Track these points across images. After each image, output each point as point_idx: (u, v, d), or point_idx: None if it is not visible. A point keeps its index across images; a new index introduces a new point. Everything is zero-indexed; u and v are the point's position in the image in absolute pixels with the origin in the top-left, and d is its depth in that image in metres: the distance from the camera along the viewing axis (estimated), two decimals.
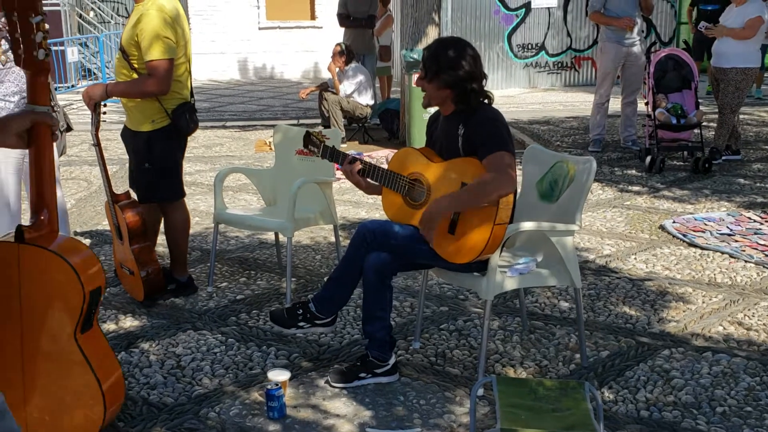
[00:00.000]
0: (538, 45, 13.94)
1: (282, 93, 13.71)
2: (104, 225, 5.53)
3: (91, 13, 16.47)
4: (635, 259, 4.80)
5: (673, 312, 3.99)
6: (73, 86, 13.34)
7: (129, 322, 3.92)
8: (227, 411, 3.07)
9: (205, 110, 11.27)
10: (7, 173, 3.98)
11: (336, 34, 10.63)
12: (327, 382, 3.26)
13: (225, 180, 4.49)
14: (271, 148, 8.35)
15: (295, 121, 9.94)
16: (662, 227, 5.41)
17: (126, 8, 17.47)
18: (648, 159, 7.15)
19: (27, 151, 2.56)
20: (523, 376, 3.35)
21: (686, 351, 3.54)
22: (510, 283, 3.23)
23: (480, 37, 13.44)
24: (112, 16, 17.02)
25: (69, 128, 4.45)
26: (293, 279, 4.33)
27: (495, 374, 3.33)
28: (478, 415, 2.94)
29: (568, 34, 14.01)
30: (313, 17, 16.42)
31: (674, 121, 7.09)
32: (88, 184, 6.92)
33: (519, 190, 3.52)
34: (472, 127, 3.08)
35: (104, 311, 4.04)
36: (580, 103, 11.66)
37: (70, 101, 12.25)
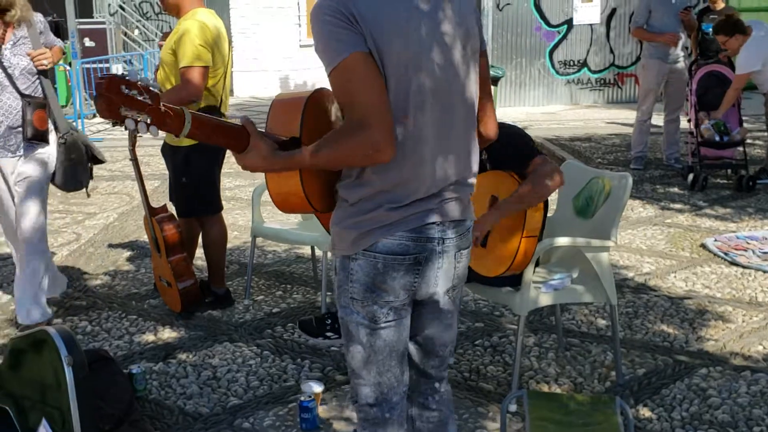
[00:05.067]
0: (581, 61, 13.89)
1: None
2: (145, 239, 5.67)
3: (136, 31, 16.90)
4: (675, 277, 4.76)
5: (712, 331, 3.95)
6: None
7: (167, 334, 4.02)
8: (261, 422, 3.14)
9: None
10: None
11: None
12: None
13: (263, 195, 4.59)
14: None
15: None
16: (703, 245, 5.36)
17: (170, 26, 17.87)
18: (690, 176, 7.09)
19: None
20: (554, 392, 3.35)
21: (724, 370, 3.51)
22: (544, 299, 3.25)
23: (521, 53, 13.45)
24: (156, 34, 17.43)
25: (97, 160, 4.21)
26: (329, 293, 4.39)
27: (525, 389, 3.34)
28: (509, 430, 2.96)
29: (611, 51, 13.94)
30: None
31: (717, 139, 7.03)
32: (130, 199, 7.10)
33: (554, 207, 3.56)
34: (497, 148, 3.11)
35: (143, 322, 4.15)
36: (622, 120, 11.58)
37: None
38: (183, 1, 3.95)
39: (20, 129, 3.80)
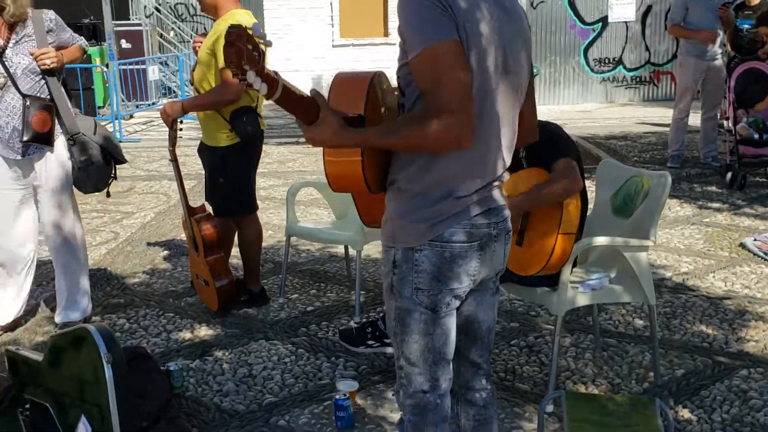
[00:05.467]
0: (616, 59, 13.75)
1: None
2: (182, 237, 5.73)
3: (171, 33, 17.07)
4: (714, 277, 4.69)
5: (752, 331, 3.88)
6: (153, 104, 13.84)
7: (204, 331, 4.05)
8: (296, 420, 3.15)
9: (279, 127, 11.54)
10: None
11: None
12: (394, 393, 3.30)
13: (297, 194, 4.61)
14: None
15: None
16: (742, 245, 5.26)
17: (205, 27, 18.03)
18: (729, 175, 6.97)
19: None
20: (593, 393, 3.31)
21: (765, 371, 3.44)
22: (582, 299, 3.21)
23: (555, 51, 13.35)
24: (191, 35, 17.60)
25: (117, 161, 4.10)
26: (362, 292, 4.40)
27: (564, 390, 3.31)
28: (546, 431, 2.93)
29: (647, 48, 13.77)
30: (386, 34, 16.60)
31: (756, 137, 6.90)
32: (167, 198, 7.17)
33: (591, 206, 3.52)
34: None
35: (180, 320, 4.19)
36: (658, 119, 11.44)
37: (150, 118, 12.73)
38: (220, 1, 3.98)
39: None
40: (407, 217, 1.96)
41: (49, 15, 3.80)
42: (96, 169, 3.93)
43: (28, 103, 3.68)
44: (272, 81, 1.72)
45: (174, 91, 15.13)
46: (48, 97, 3.78)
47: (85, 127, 3.91)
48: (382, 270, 2.10)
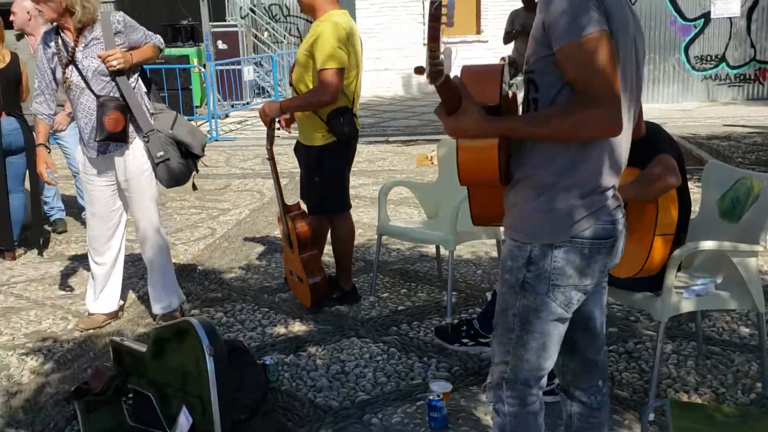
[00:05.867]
0: (718, 56, 13.21)
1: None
2: (275, 234, 5.84)
3: (266, 34, 17.43)
4: None
5: None
6: (247, 103, 14.17)
7: (297, 327, 4.11)
8: (389, 418, 3.15)
9: (369, 125, 11.60)
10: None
11: (501, 47, 10.60)
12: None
13: (389, 193, 4.62)
14: (432, 163, 8.47)
15: None
16: None
17: (298, 28, 18.35)
18: None
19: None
20: (698, 402, 3.19)
21: None
22: (686, 305, 3.10)
23: (654, 48, 12.94)
24: (284, 36, 17.94)
25: (194, 155, 4.11)
26: (454, 293, 4.37)
27: (668, 398, 3.20)
28: None
29: (752, 45, 13.17)
30: (478, 32, 16.49)
31: None
32: (261, 196, 7.33)
33: (696, 209, 3.39)
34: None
35: (275, 315, 4.27)
36: (764, 118, 10.93)
37: (244, 118, 13.04)
38: (318, 3, 4.02)
39: None
40: (549, 212, 1.96)
41: (117, 17, 3.88)
42: (173, 163, 3.99)
43: (101, 103, 3.80)
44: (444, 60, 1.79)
45: (267, 91, 15.43)
46: (121, 97, 3.85)
47: (162, 123, 3.98)
48: (505, 266, 2.08)
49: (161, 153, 3.93)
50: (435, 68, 1.79)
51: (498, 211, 2.10)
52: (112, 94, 3.84)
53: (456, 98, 1.89)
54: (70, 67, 3.82)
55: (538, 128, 1.88)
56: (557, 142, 1.93)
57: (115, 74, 3.82)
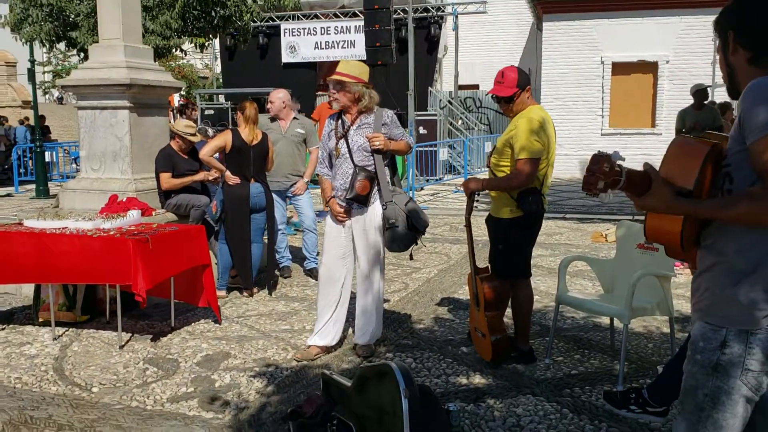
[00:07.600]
0: None
1: (618, 192, 13.25)
2: (459, 294, 5.79)
3: (459, 121, 17.80)
4: None
5: None
6: (440, 179, 14.43)
7: (478, 379, 4.00)
8: None
9: (549, 203, 11.32)
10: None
11: None
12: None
13: (569, 266, 4.44)
14: (606, 240, 8.08)
15: (630, 217, 9.52)
16: None
17: (487, 117, 18.55)
18: None
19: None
20: None
21: None
22: None
23: None
24: (475, 123, 18.19)
25: (418, 230, 4.30)
26: (625, 363, 4.07)
27: None
28: None
29: None
30: (653, 125, 15.79)
31: None
32: (447, 258, 7.33)
33: None
34: None
35: (457, 366, 4.19)
36: None
37: (437, 191, 13.25)
38: (519, 98, 4.05)
39: None
40: (747, 300, 1.79)
41: (388, 112, 4.29)
42: (401, 232, 4.23)
43: (356, 170, 4.14)
44: (616, 183, 1.81)
45: (457, 170, 15.63)
46: (373, 170, 4.19)
47: (399, 200, 4.27)
48: (696, 346, 1.91)
49: (393, 220, 4.19)
50: (600, 192, 1.83)
51: (672, 228, 1.90)
52: (366, 167, 4.17)
53: (643, 182, 1.83)
54: (342, 140, 4.22)
55: (723, 212, 1.77)
56: (741, 224, 1.77)
57: (374, 152, 4.19)
